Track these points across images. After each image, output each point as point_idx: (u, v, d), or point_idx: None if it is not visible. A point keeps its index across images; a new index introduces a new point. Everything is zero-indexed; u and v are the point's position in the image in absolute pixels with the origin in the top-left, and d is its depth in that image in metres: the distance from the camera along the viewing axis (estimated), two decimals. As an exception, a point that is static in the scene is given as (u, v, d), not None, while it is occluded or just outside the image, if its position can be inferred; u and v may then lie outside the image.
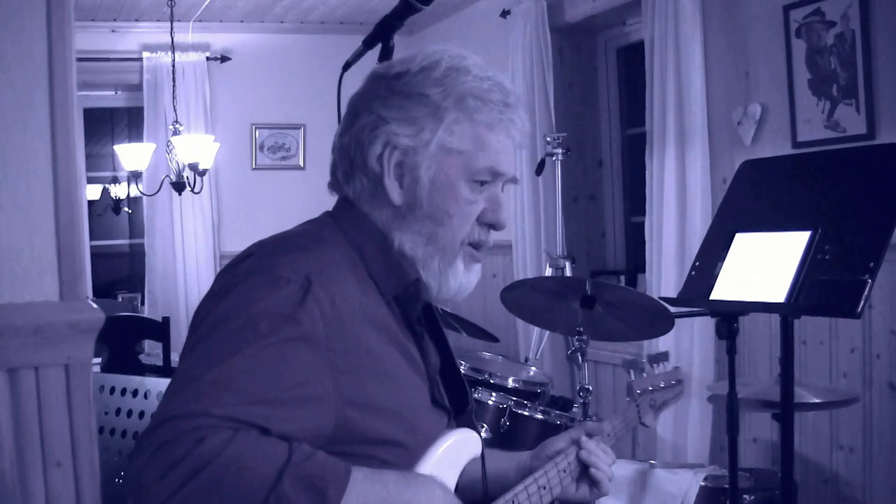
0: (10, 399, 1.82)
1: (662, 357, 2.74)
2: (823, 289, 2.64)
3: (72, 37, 1.86)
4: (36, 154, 1.85)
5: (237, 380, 1.60)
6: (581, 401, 3.86)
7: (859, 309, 2.53)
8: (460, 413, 2.08)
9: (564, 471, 2.20)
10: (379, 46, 2.76)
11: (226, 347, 1.64)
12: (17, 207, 1.85)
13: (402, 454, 1.85)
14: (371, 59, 2.75)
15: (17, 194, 1.85)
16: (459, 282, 1.97)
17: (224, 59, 8.07)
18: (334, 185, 2.02)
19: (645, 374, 2.69)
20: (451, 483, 1.95)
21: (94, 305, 1.91)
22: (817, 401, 3.59)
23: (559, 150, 5.41)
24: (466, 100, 1.89)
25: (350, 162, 1.93)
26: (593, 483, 2.25)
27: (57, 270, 1.85)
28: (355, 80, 2.10)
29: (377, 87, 1.93)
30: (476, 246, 1.98)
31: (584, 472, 2.25)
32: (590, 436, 2.29)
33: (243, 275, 1.78)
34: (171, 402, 1.59)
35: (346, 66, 2.71)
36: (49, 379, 1.83)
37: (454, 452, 1.97)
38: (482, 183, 1.94)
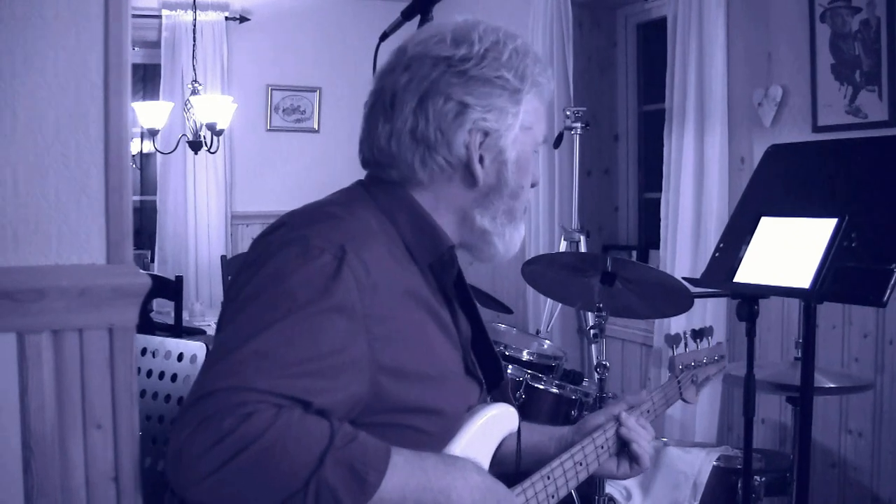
0: (53, 360, 1.82)
1: (707, 332, 2.71)
2: (849, 276, 2.65)
3: (128, -1, 1.86)
4: (87, 115, 1.84)
5: (276, 352, 1.61)
6: (598, 376, 3.87)
7: (885, 298, 2.54)
8: (494, 387, 2.10)
9: (602, 447, 2.23)
10: (417, 18, 2.77)
11: (263, 319, 1.65)
12: (66, 168, 1.84)
13: (437, 422, 1.88)
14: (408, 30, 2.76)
15: (68, 155, 1.84)
16: (519, 239, 2.06)
17: (243, 19, 8.00)
18: (373, 164, 1.99)
19: (687, 349, 2.66)
20: (488, 457, 1.97)
21: (140, 270, 1.91)
22: (833, 385, 3.61)
23: (578, 125, 5.41)
24: (535, 80, 1.95)
25: (427, 147, 1.90)
26: (633, 459, 2.27)
27: (105, 233, 1.85)
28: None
29: (444, 73, 1.89)
30: None
31: (623, 448, 2.27)
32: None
33: (277, 246, 1.78)
34: (211, 374, 1.60)
35: (384, 37, 2.72)
36: (92, 342, 1.83)
37: (491, 426, 1.98)
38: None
